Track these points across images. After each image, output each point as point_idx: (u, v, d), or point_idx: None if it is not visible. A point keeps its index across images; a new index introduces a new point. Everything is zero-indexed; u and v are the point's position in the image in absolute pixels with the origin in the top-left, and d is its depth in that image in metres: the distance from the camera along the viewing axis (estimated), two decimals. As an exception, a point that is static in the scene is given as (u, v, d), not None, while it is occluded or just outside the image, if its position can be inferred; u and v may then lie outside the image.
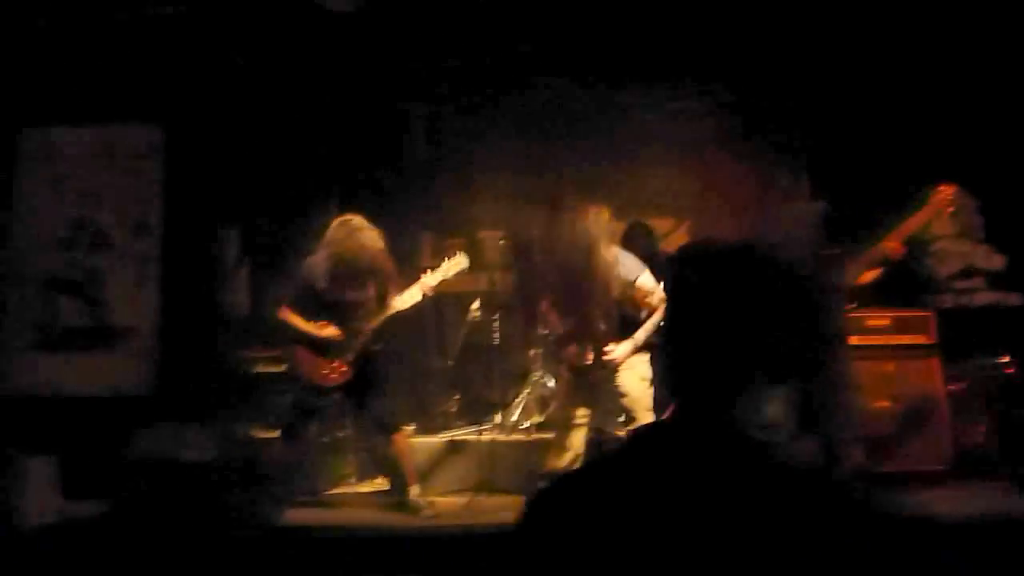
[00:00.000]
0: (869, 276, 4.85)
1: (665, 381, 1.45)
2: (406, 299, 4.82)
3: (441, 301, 7.08)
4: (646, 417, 4.79)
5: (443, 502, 5.03)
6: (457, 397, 6.52)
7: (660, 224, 6.79)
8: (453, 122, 6.97)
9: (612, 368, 4.75)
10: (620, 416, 4.88)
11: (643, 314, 4.79)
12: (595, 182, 6.88)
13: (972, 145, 5.79)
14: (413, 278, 4.94)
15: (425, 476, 5.28)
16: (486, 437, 5.35)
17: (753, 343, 1.38)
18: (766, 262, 1.45)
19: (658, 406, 4.66)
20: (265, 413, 5.37)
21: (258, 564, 2.96)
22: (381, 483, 5.83)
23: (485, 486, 5.18)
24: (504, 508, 4.90)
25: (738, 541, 1.24)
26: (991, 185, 5.55)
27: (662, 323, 4.93)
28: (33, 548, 3.81)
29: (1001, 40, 5.71)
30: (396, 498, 5.00)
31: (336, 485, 5.83)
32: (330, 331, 4.79)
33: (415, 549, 3.88)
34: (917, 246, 5.41)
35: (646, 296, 4.80)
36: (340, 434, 5.99)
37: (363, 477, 6.01)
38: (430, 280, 4.92)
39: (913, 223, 4.84)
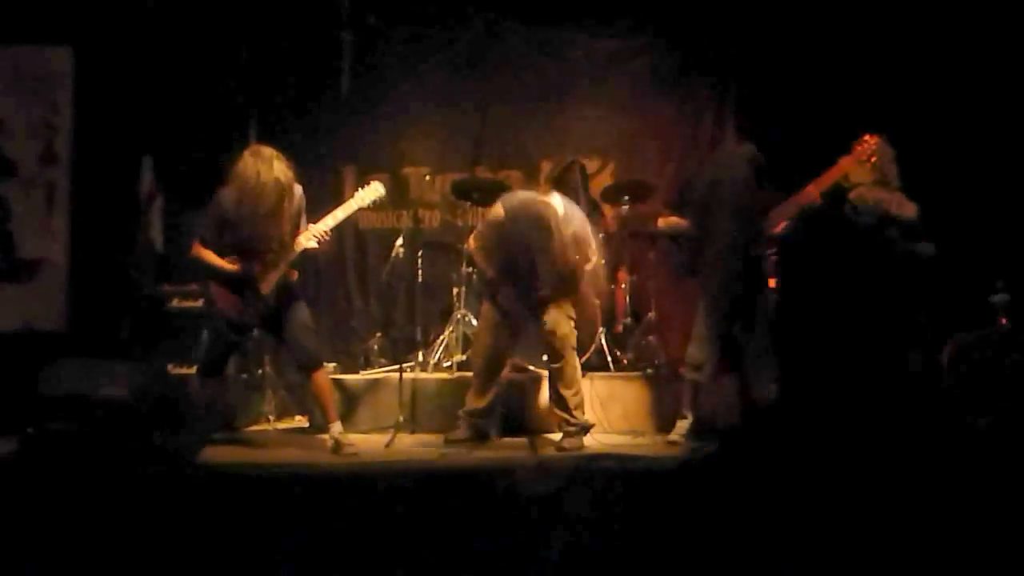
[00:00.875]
0: (801, 202, 4.92)
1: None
2: (314, 234, 4.71)
3: (364, 238, 7.00)
4: (572, 356, 4.84)
5: (364, 439, 5.02)
6: (379, 335, 6.48)
7: (587, 164, 6.79)
8: (381, 54, 6.81)
9: (540, 308, 4.78)
10: (544, 355, 4.93)
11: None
12: (523, 120, 6.83)
13: (891, 94, 5.90)
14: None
15: (346, 414, 5.25)
16: (408, 375, 5.34)
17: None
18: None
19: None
20: (182, 349, 5.27)
21: (175, 502, 2.92)
22: (300, 420, 5.80)
23: (407, 424, 5.19)
24: (426, 446, 4.92)
25: None
26: (907, 134, 5.67)
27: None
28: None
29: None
30: (316, 435, 4.98)
31: (255, 422, 5.78)
32: (247, 267, 4.68)
33: (336, 487, 3.87)
34: (836, 193, 5.51)
35: (588, 248, 4.88)
36: (260, 371, 5.92)
37: (282, 415, 5.96)
38: (341, 212, 4.82)
39: (836, 171, 4.92)
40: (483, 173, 6.79)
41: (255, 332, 4.87)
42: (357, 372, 5.96)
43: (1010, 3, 5.83)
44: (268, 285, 4.69)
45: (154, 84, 6.10)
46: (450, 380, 5.57)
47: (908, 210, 5.84)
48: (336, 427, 4.76)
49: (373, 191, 4.92)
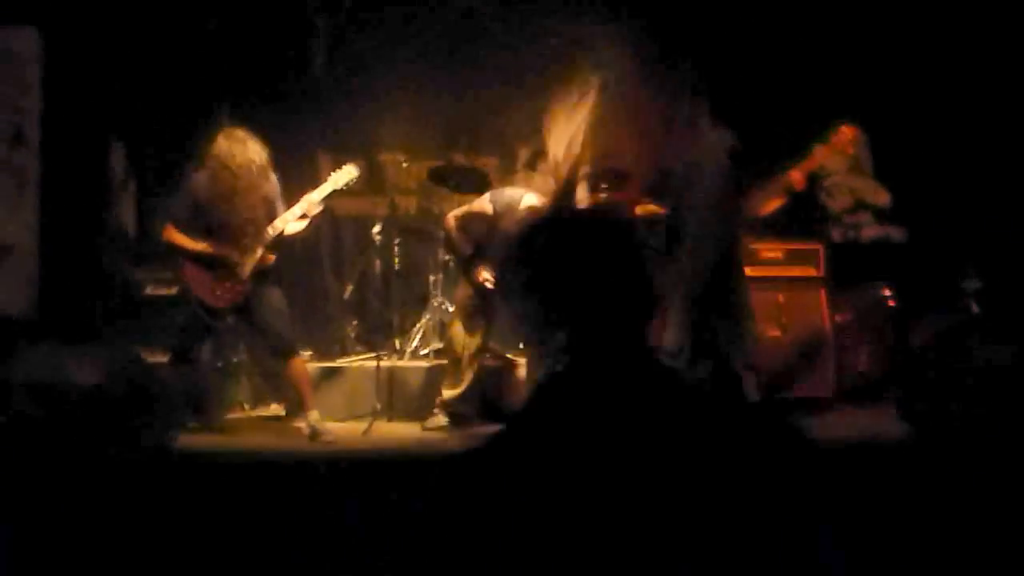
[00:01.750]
0: (772, 206, 4.95)
1: (551, 329, 1.43)
2: (289, 218, 4.67)
3: (340, 225, 6.94)
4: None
5: (341, 428, 4.99)
6: (356, 322, 6.44)
7: (563, 151, 6.76)
8: (357, 37, 6.74)
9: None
10: (520, 340, 4.91)
11: None
12: (498, 105, 6.79)
13: (864, 81, 5.93)
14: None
15: (323, 402, 5.21)
16: (385, 363, 5.31)
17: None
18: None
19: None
20: (156, 335, 5.19)
21: (148, 492, 2.88)
22: (276, 408, 5.75)
23: (384, 413, 5.16)
24: (403, 434, 4.90)
25: (672, 466, 1.28)
26: (879, 121, 5.71)
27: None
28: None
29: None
30: (292, 423, 4.94)
31: (230, 410, 5.72)
32: (221, 250, 4.63)
33: (313, 474, 3.84)
34: (812, 180, 5.54)
35: None
36: (234, 358, 5.86)
37: (258, 402, 5.91)
38: (315, 195, 4.78)
39: (814, 160, 4.95)
40: (460, 159, 6.75)
41: (229, 318, 4.81)
42: (333, 359, 5.93)
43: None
44: (245, 269, 4.64)
45: (124, 66, 6.00)
46: (427, 367, 5.55)
47: (881, 197, 5.90)
48: (313, 415, 4.72)
49: (347, 173, 4.89)
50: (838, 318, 5.67)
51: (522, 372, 5.19)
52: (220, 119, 6.28)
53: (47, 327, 5.36)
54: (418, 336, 5.91)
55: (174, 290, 5.18)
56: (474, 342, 4.94)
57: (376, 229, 6.00)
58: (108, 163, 6.19)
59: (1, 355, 3.67)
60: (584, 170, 6.58)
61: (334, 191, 4.86)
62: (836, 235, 5.93)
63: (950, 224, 5.77)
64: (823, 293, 5.66)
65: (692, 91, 6.58)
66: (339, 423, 5.08)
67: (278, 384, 5.49)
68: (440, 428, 4.87)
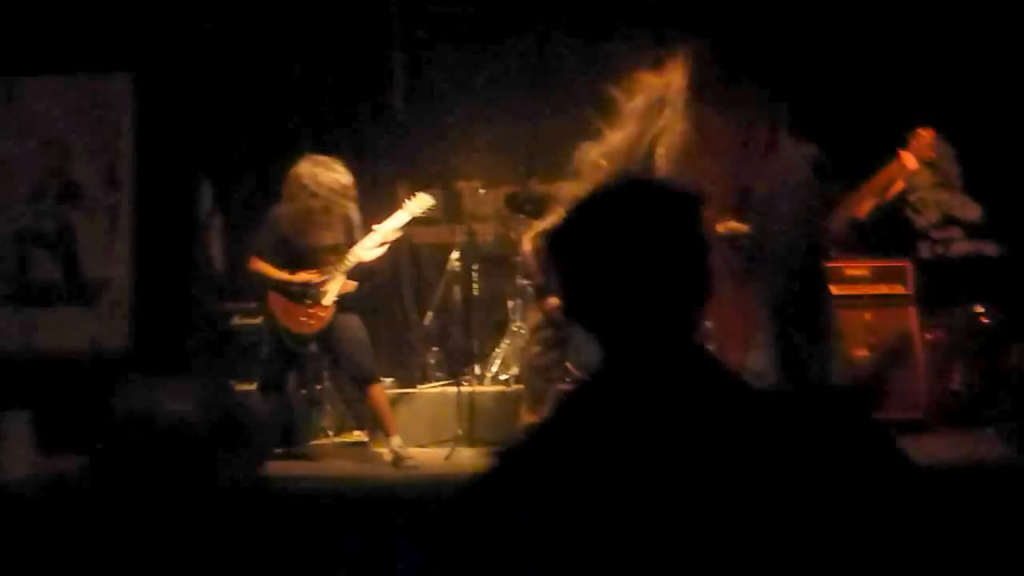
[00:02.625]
0: (867, 206, 4.81)
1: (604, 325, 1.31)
2: (368, 244, 4.75)
3: (419, 253, 7.03)
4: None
5: (423, 454, 5.02)
6: (436, 349, 6.49)
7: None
8: (432, 70, 6.85)
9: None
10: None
11: None
12: (575, 131, 6.80)
13: (950, 93, 5.77)
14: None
15: (405, 428, 5.26)
16: (465, 389, 5.34)
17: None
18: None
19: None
20: (243, 366, 5.32)
21: (239, 518, 2.94)
22: (360, 435, 5.83)
23: (465, 438, 5.18)
24: (485, 459, 4.90)
25: (743, 472, 1.12)
26: (969, 134, 5.54)
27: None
28: (10, 502, 3.77)
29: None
30: (376, 449, 4.99)
31: (315, 438, 5.81)
32: (301, 276, 4.73)
33: (396, 501, 3.88)
34: (898, 196, 5.41)
35: None
36: (318, 386, 5.96)
37: (341, 429, 6.00)
38: (391, 224, 4.84)
39: (894, 167, 4.83)
40: (536, 186, 6.78)
41: (312, 346, 4.90)
42: (414, 386, 5.98)
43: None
44: (327, 296, 4.73)
45: (211, 105, 6.20)
46: (507, 392, 5.55)
47: (972, 211, 5.72)
48: (395, 441, 4.77)
49: (423, 201, 4.96)
50: (929, 337, 5.50)
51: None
52: (302, 155, 6.46)
53: (142, 360, 5.53)
54: (497, 361, 5.93)
55: (260, 320, 5.31)
56: (549, 365, 4.90)
57: (455, 256, 6.06)
58: (197, 200, 6.39)
59: (101, 389, 3.79)
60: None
61: (411, 219, 4.92)
62: (924, 251, 5.76)
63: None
64: (912, 311, 5.50)
65: (769, 107, 6.51)
66: (421, 448, 5.12)
67: (361, 411, 5.57)
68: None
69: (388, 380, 5.79)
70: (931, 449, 4.55)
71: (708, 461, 1.12)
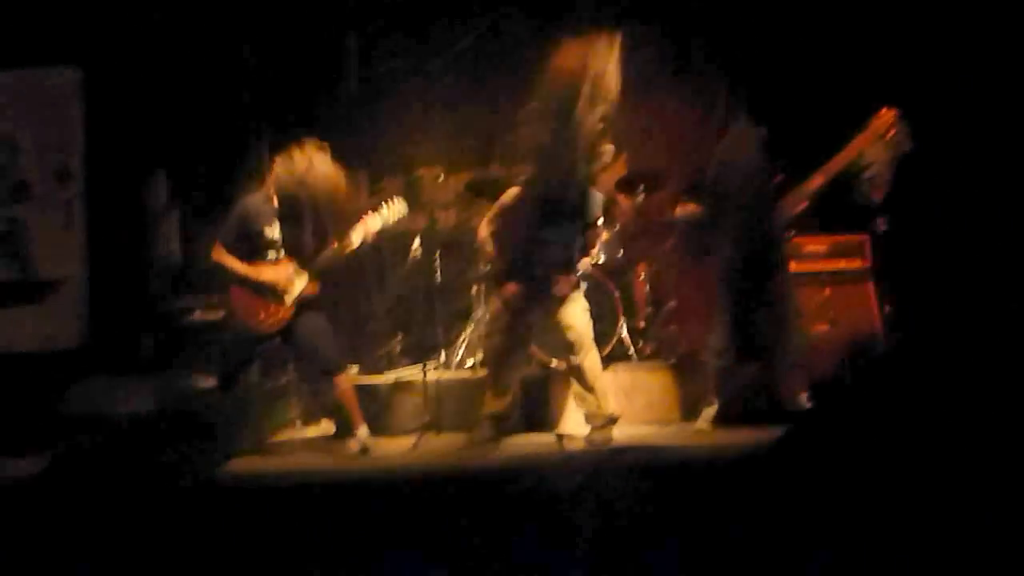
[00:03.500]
0: (798, 208, 4.85)
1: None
2: (354, 239, 4.74)
3: (379, 241, 6.97)
4: (592, 349, 4.78)
5: (391, 442, 5.00)
6: (400, 337, 6.47)
7: (599, 156, 6.74)
8: (388, 56, 6.79)
9: (554, 304, 4.72)
10: (569, 351, 4.81)
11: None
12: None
13: (903, 70, 5.82)
14: (353, 219, 4.85)
15: (372, 418, 5.23)
16: (431, 376, 5.32)
17: None
18: None
19: None
20: (203, 362, 5.26)
21: (203, 517, 2.91)
22: (326, 427, 5.79)
23: (432, 425, 5.17)
24: (452, 446, 4.90)
25: None
26: (921, 110, 5.59)
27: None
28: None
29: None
30: (343, 440, 4.96)
31: (282, 430, 5.77)
32: (269, 274, 4.67)
33: (364, 492, 3.86)
34: (852, 171, 5.45)
35: (600, 235, 4.81)
36: (282, 379, 5.91)
37: (308, 421, 5.96)
38: (372, 225, 4.84)
39: (851, 150, 4.86)
40: (496, 170, 6.76)
41: (275, 340, 4.85)
42: (379, 375, 5.95)
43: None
44: (290, 297, 4.68)
45: (162, 96, 6.10)
46: (473, 379, 5.55)
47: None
48: (362, 431, 4.75)
49: (396, 211, 4.94)
50: (888, 310, 5.57)
51: (563, 380, 5.16)
52: (258, 144, 6.38)
53: (98, 358, 5.45)
54: (462, 348, 5.91)
55: (219, 315, 5.24)
56: (513, 352, 4.87)
57: (416, 244, 6.02)
58: (152, 193, 6.29)
59: (54, 388, 3.74)
60: (619, 174, 6.56)
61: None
62: (882, 226, 5.82)
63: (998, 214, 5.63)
64: (871, 285, 5.56)
65: (727, 92, 6.53)
66: (388, 438, 5.09)
67: (327, 402, 5.53)
68: (485, 441, 4.84)
69: (353, 368, 5.75)
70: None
71: None
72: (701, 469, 3.02)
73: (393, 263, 6.81)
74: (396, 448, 4.89)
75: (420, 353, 5.91)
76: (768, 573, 2.34)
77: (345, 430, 4.96)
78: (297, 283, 4.68)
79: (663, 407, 5.39)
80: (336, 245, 4.76)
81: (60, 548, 2.69)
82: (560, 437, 5.00)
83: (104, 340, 5.64)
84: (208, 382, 4.91)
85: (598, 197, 4.80)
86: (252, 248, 4.68)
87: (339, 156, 6.71)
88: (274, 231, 4.67)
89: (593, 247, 4.82)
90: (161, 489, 2.99)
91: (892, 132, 4.95)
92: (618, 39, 4.69)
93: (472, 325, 5.94)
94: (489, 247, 4.94)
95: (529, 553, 2.73)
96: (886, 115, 4.92)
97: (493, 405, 4.86)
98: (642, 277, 6.08)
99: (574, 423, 5.15)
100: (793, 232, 4.99)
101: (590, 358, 4.76)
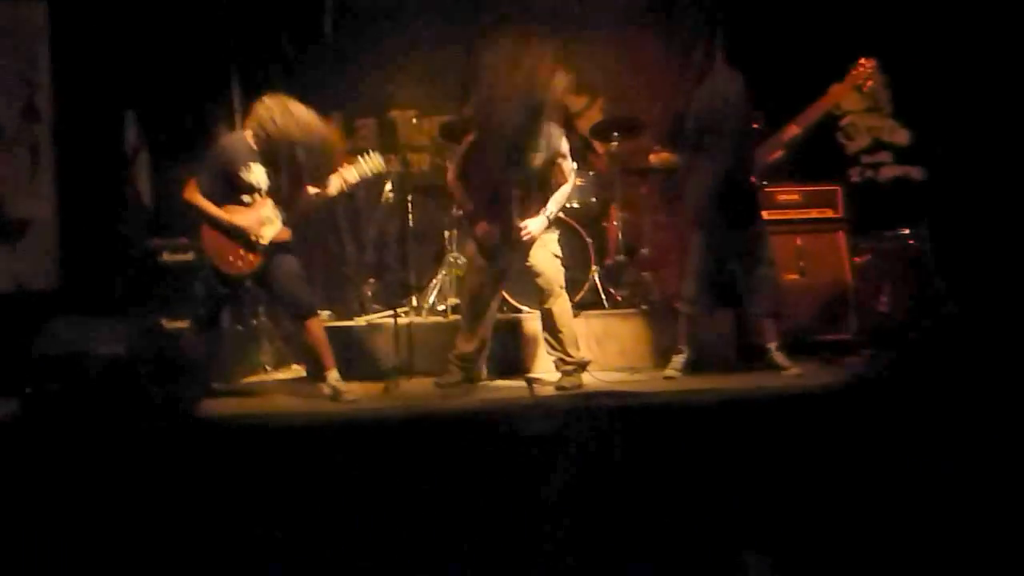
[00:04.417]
0: (773, 156, 4.86)
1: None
2: (331, 188, 4.75)
3: (354, 189, 6.93)
4: (562, 295, 4.81)
5: (362, 386, 5.03)
6: (372, 281, 6.46)
7: (575, 101, 6.71)
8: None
9: (524, 247, 4.72)
10: (539, 296, 4.83)
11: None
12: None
13: (880, 19, 5.81)
14: (330, 164, 4.83)
15: (343, 361, 5.25)
16: (403, 320, 5.33)
17: None
18: None
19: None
20: (175, 303, 5.24)
21: (176, 457, 2.92)
22: (298, 370, 5.81)
23: (403, 369, 5.19)
24: (423, 391, 4.93)
25: None
26: (898, 60, 5.60)
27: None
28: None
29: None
30: (314, 384, 4.98)
31: (252, 374, 5.79)
32: (240, 219, 4.63)
33: (335, 434, 3.89)
34: (829, 120, 5.47)
35: (566, 170, 4.74)
36: (254, 322, 5.91)
37: (279, 364, 5.97)
38: (349, 177, 4.83)
39: (828, 99, 4.87)
40: (471, 113, 6.70)
41: (248, 282, 4.84)
42: (351, 319, 5.96)
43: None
44: (264, 237, 4.65)
45: (133, 35, 5.98)
46: (445, 323, 5.57)
47: (900, 136, 5.83)
48: (333, 375, 4.76)
49: (373, 163, 4.92)
50: (858, 260, 5.63)
51: (533, 326, 5.19)
52: (231, 84, 6.29)
53: (70, 300, 5.42)
54: (435, 292, 5.92)
55: (191, 256, 5.20)
56: (486, 296, 4.87)
57: (388, 187, 5.99)
58: (122, 133, 6.20)
59: (26, 330, 3.71)
60: (594, 120, 6.53)
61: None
62: (854, 176, 5.87)
63: (973, 164, 5.68)
64: (842, 235, 5.62)
65: (706, 39, 6.49)
66: (359, 382, 5.12)
67: (299, 346, 5.55)
68: (454, 384, 4.86)
69: (326, 313, 5.75)
70: (858, 369, 4.68)
71: None
72: (670, 415, 3.07)
73: (365, 207, 6.78)
74: (367, 392, 4.92)
75: (392, 298, 5.92)
76: (739, 518, 2.39)
77: (316, 374, 4.98)
78: (268, 229, 4.66)
79: (634, 354, 5.44)
80: (311, 192, 4.73)
81: (34, 491, 2.70)
82: (530, 382, 5.05)
83: (76, 281, 5.59)
84: (181, 323, 4.90)
85: (556, 130, 4.70)
86: (228, 189, 4.64)
87: (314, 98, 6.67)
88: (250, 174, 4.63)
89: (561, 183, 4.74)
90: (135, 429, 3.00)
91: (869, 83, 4.96)
92: None
93: (445, 270, 5.94)
94: (458, 191, 4.92)
95: (499, 497, 2.76)
96: (865, 65, 4.93)
97: (461, 347, 4.88)
98: (615, 223, 6.09)
99: (544, 368, 5.20)
100: (768, 181, 5.02)
101: (559, 304, 4.78)
